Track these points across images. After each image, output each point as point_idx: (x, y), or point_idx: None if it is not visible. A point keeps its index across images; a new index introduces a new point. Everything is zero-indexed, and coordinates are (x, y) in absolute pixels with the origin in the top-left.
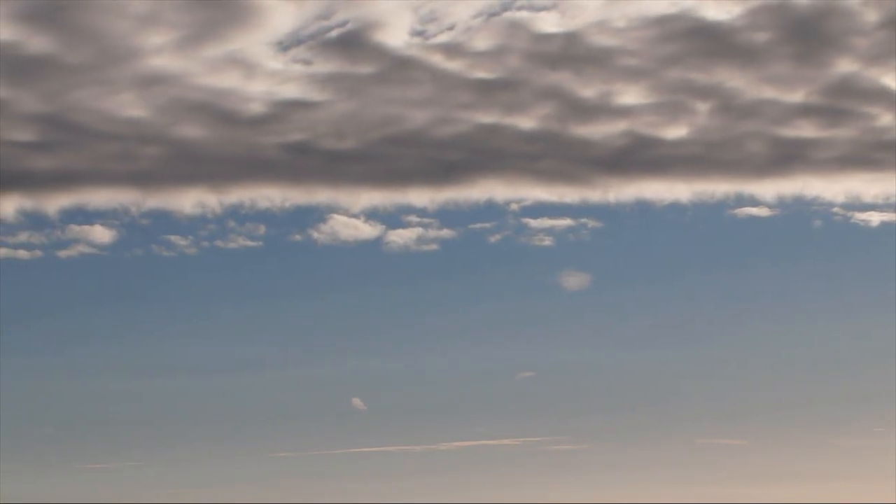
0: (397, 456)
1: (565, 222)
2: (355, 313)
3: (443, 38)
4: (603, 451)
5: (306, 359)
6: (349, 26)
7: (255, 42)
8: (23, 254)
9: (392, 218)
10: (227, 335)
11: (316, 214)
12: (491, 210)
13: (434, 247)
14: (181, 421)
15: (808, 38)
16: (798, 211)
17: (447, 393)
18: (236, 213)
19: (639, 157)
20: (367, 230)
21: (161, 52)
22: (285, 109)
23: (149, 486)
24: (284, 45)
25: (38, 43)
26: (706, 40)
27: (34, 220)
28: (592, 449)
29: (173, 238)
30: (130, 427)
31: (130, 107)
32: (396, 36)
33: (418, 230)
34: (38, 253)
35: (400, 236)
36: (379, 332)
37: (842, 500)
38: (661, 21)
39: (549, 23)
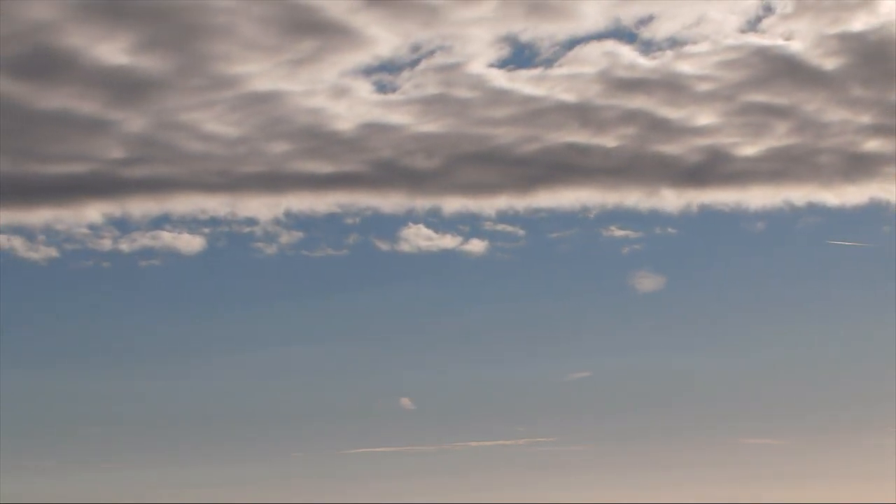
0: (443, 454)
1: (640, 232)
2: (427, 316)
3: (531, 65)
4: (642, 452)
5: (366, 360)
6: (442, 54)
7: (352, 67)
8: (106, 264)
9: (473, 227)
10: (305, 338)
11: (399, 224)
12: (569, 219)
13: (512, 255)
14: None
15: (878, 64)
16: (866, 218)
17: (496, 394)
18: (323, 223)
19: (716, 171)
20: (448, 240)
21: (265, 77)
22: (375, 129)
23: (153, 487)
24: (380, 71)
25: (152, 68)
26: (783, 67)
27: (121, 226)
28: (631, 449)
29: (260, 245)
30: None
31: (228, 125)
32: (486, 63)
33: (497, 239)
34: (121, 260)
35: (478, 245)
36: (446, 334)
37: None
38: (739, 49)
39: (632, 51)
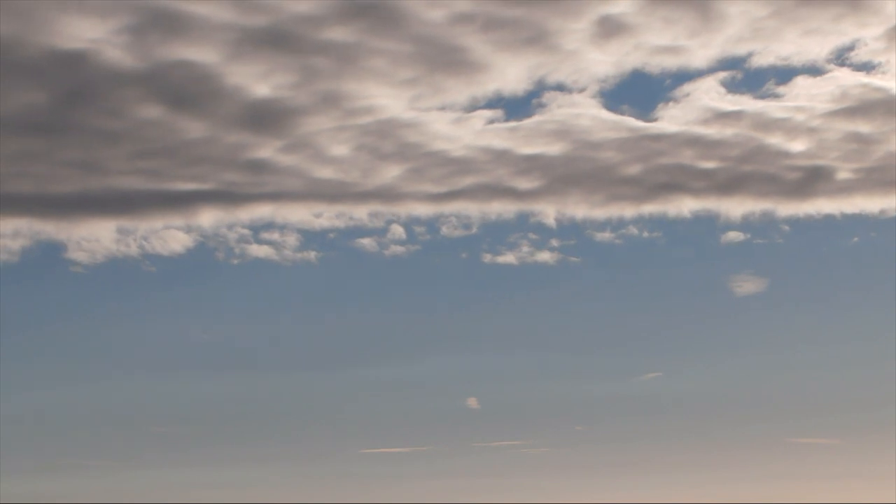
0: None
1: (743, 237)
2: (518, 322)
3: (643, 100)
4: (685, 452)
5: (443, 363)
6: (562, 88)
7: (482, 99)
8: (215, 272)
9: (579, 240)
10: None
11: (500, 236)
12: (671, 227)
13: (612, 261)
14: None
15: None
16: None
17: (555, 394)
18: (427, 235)
19: (814, 187)
20: (546, 255)
21: (396, 107)
22: (488, 152)
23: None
24: (502, 101)
25: (293, 100)
26: (877, 97)
27: (234, 235)
28: (673, 450)
29: (371, 256)
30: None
31: (351, 149)
32: (601, 95)
33: (595, 250)
34: (230, 269)
35: (577, 255)
36: (534, 337)
37: None
38: (833, 80)
39: (734, 83)
